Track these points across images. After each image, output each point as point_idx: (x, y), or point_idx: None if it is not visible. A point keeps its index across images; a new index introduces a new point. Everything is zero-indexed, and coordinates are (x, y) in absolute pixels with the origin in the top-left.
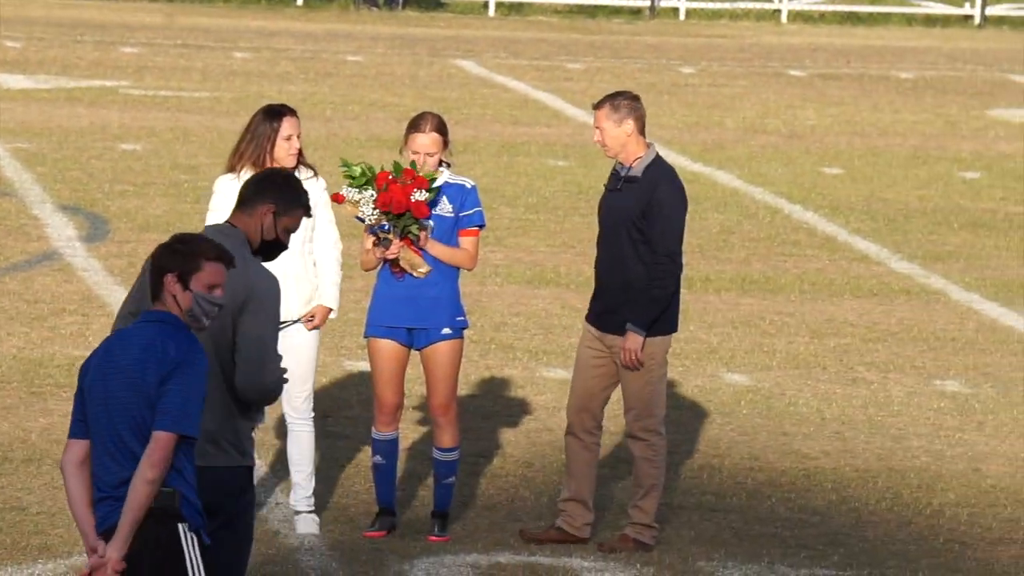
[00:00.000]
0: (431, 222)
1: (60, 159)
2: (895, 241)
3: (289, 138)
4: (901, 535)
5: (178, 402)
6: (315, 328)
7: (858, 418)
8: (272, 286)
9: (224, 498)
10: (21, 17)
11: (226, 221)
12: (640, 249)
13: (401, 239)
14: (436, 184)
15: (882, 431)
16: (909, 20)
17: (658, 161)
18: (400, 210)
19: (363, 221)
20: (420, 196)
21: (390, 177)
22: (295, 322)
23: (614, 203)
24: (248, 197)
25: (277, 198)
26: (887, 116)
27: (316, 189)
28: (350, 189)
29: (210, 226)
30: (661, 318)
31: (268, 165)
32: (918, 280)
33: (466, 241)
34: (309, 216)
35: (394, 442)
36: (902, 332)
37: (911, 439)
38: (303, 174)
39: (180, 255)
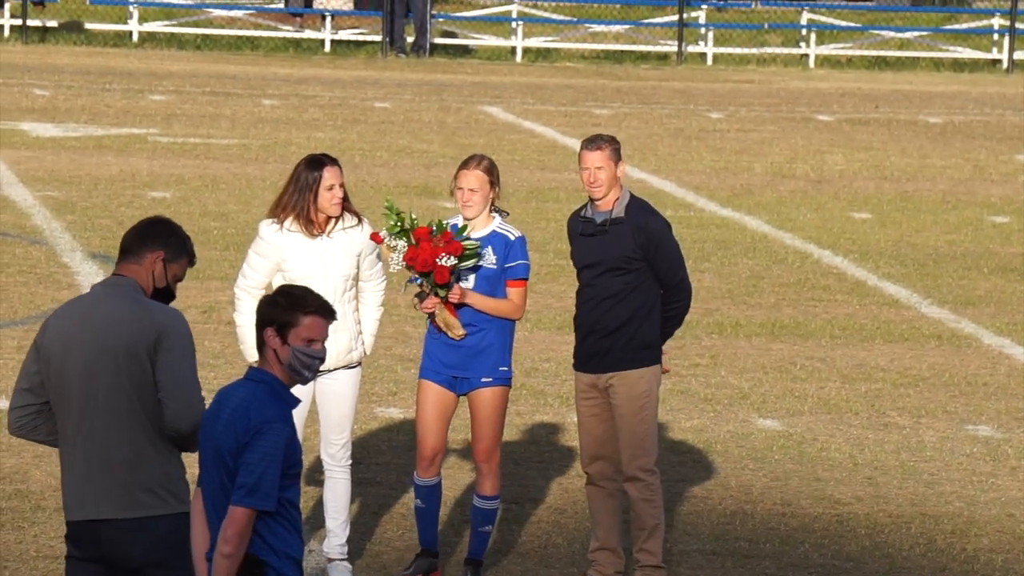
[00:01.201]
0: (460, 286)
1: (89, 207)
2: (925, 286)
3: (331, 188)
4: None
5: (255, 475)
6: None
7: (890, 463)
8: (180, 322)
9: (169, 550)
10: (49, 65)
11: (113, 274)
12: (636, 285)
13: (436, 297)
14: (470, 255)
15: (915, 476)
16: (937, 65)
17: (635, 199)
18: (424, 269)
19: (389, 267)
20: (447, 261)
21: (431, 234)
22: (333, 370)
23: (600, 247)
24: (134, 246)
25: (165, 246)
26: (916, 161)
27: (360, 237)
28: (389, 234)
29: (99, 283)
30: (650, 349)
31: (312, 215)
32: (949, 325)
33: (512, 292)
34: (193, 264)
35: (435, 487)
36: (933, 377)
37: (944, 484)
38: (347, 222)
39: (279, 308)
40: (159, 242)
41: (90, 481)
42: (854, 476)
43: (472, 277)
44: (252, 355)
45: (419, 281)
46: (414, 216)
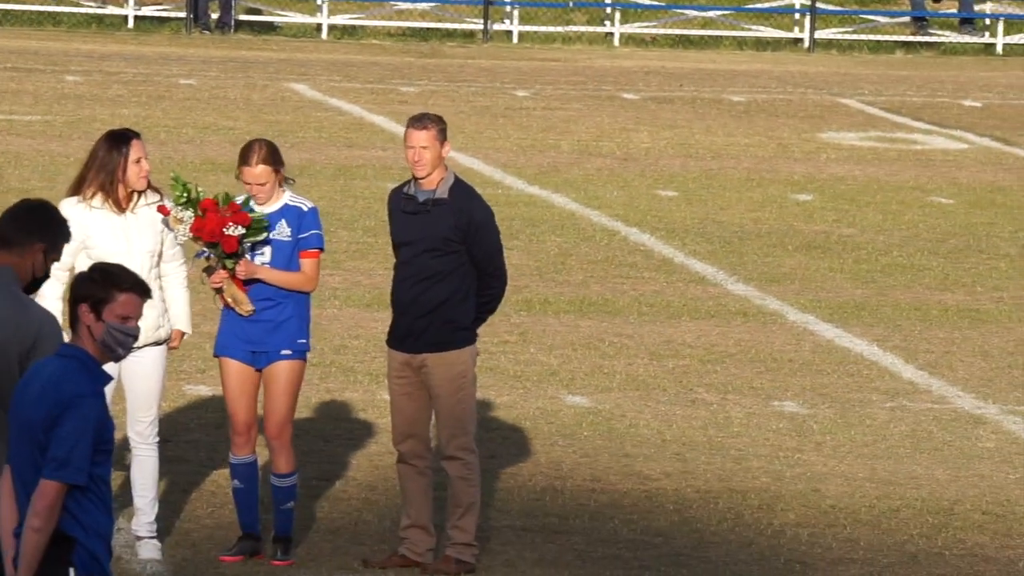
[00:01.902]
0: (246, 260)
1: None
2: (731, 263)
3: (139, 161)
4: (743, 556)
5: (65, 448)
6: (171, 350)
7: (698, 439)
8: (55, 324)
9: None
10: None
11: None
12: (455, 267)
13: (224, 270)
14: (258, 227)
15: (722, 452)
16: (740, 44)
17: (460, 182)
18: (211, 239)
19: (176, 239)
20: (234, 231)
21: (217, 205)
22: (140, 347)
23: (422, 225)
24: (15, 236)
25: (47, 236)
26: (720, 139)
27: (165, 209)
28: (176, 205)
29: None
30: (467, 330)
31: (118, 191)
32: (754, 302)
33: (305, 263)
34: (69, 242)
35: (252, 465)
36: (740, 353)
37: (751, 460)
38: (149, 197)
39: (95, 284)
40: (40, 233)
41: None
42: (662, 452)
43: (267, 250)
44: None
45: (207, 254)
46: (200, 188)
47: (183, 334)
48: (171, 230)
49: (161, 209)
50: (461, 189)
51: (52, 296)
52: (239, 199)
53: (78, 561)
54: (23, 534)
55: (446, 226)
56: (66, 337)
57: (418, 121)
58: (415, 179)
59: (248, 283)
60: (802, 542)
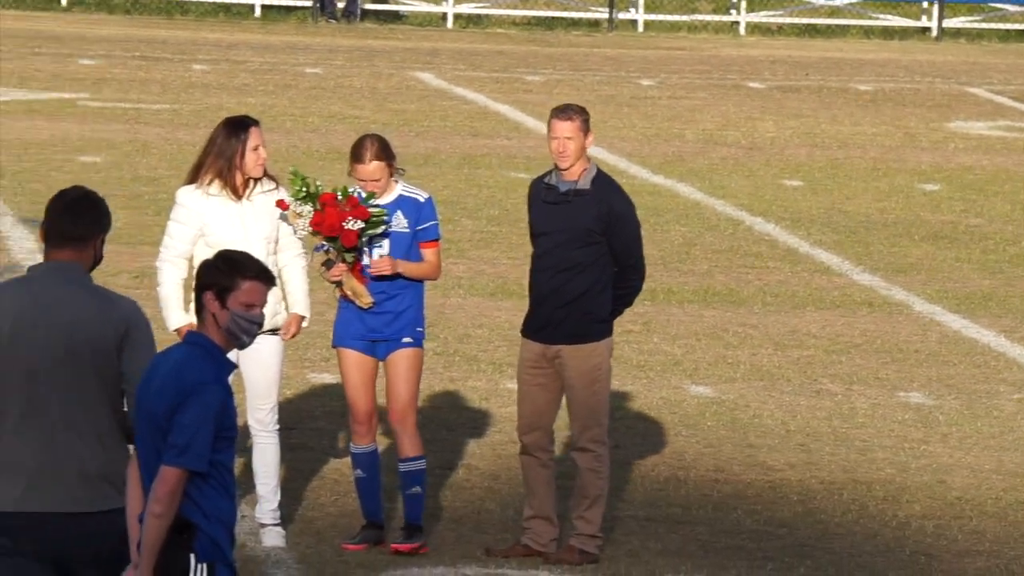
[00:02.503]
0: (389, 257)
1: (20, 172)
2: (856, 253)
3: (256, 148)
4: (867, 547)
5: (187, 435)
6: (292, 337)
7: (823, 430)
8: (141, 312)
9: (121, 543)
10: None
11: (53, 261)
12: (595, 259)
13: (343, 264)
14: (377, 221)
15: (847, 443)
16: (867, 32)
17: (602, 174)
18: (331, 233)
19: (295, 233)
20: (354, 225)
21: (336, 199)
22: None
23: (563, 215)
24: (78, 231)
25: (107, 225)
26: (846, 128)
27: (281, 198)
28: (295, 200)
29: (41, 267)
30: (604, 322)
31: (236, 177)
32: (880, 292)
33: (428, 253)
34: None
35: (373, 454)
36: (865, 344)
37: (876, 451)
38: (265, 185)
39: (220, 272)
40: (101, 224)
41: (45, 474)
42: (786, 443)
43: (385, 243)
44: (174, 322)
45: (326, 248)
46: (319, 183)
47: (302, 319)
48: (290, 224)
49: (280, 204)
50: (603, 180)
51: (170, 282)
52: (356, 190)
53: (199, 547)
54: (145, 520)
55: (587, 217)
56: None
57: (563, 112)
58: (557, 169)
59: (380, 278)
60: (927, 534)
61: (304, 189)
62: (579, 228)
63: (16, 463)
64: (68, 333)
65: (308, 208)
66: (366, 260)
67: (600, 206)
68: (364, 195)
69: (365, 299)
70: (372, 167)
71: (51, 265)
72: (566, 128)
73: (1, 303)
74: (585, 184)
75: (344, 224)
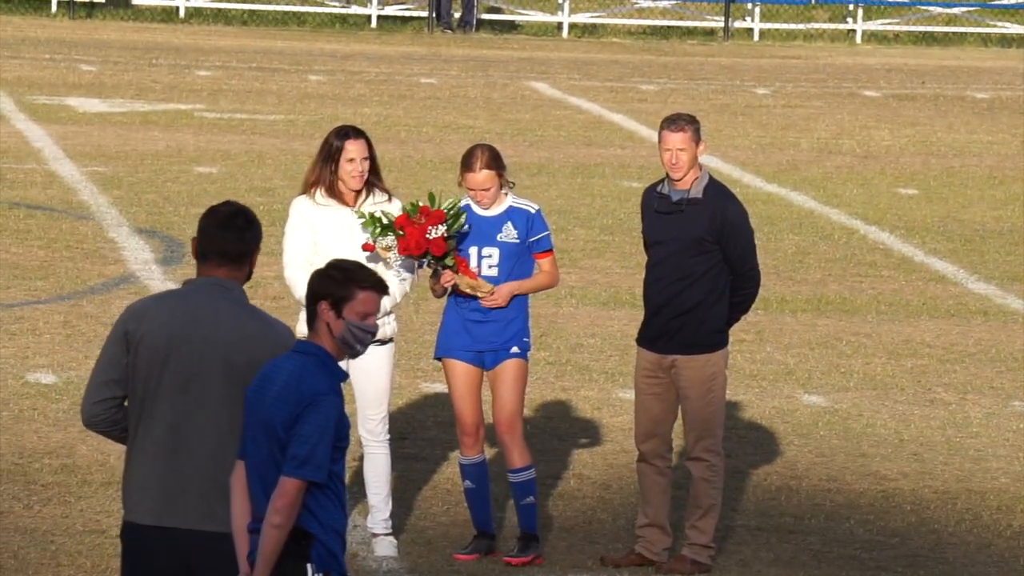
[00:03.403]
0: (501, 287)
1: (136, 182)
2: (971, 262)
3: (352, 160)
4: (981, 557)
5: (307, 446)
6: None
7: (936, 439)
8: (294, 340)
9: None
10: (96, 41)
11: (211, 277)
12: (709, 268)
13: (447, 270)
14: (454, 214)
15: (961, 452)
16: (985, 40)
17: (714, 182)
18: (420, 251)
19: (394, 265)
20: (436, 233)
21: (409, 217)
22: None
23: (676, 225)
24: (240, 249)
25: (260, 239)
26: (962, 136)
27: (392, 212)
28: (375, 240)
29: (199, 282)
30: (719, 332)
31: (337, 187)
32: (995, 301)
33: (544, 263)
34: None
35: (481, 465)
36: (980, 353)
37: (990, 460)
38: (377, 197)
39: (335, 282)
40: (257, 242)
41: (189, 491)
42: (900, 452)
43: (495, 253)
44: None
45: (427, 262)
46: (389, 213)
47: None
48: (386, 262)
49: (366, 247)
50: (715, 189)
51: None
52: (420, 203)
53: (316, 557)
54: (263, 530)
55: (700, 226)
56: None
57: (673, 123)
58: (669, 178)
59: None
60: None
61: (378, 226)
62: (692, 237)
63: (161, 476)
64: (225, 351)
65: (391, 239)
66: (473, 264)
67: (713, 215)
68: (429, 198)
69: (484, 288)
70: (482, 176)
71: (209, 281)
72: (678, 140)
73: (158, 316)
74: (697, 193)
75: (427, 236)
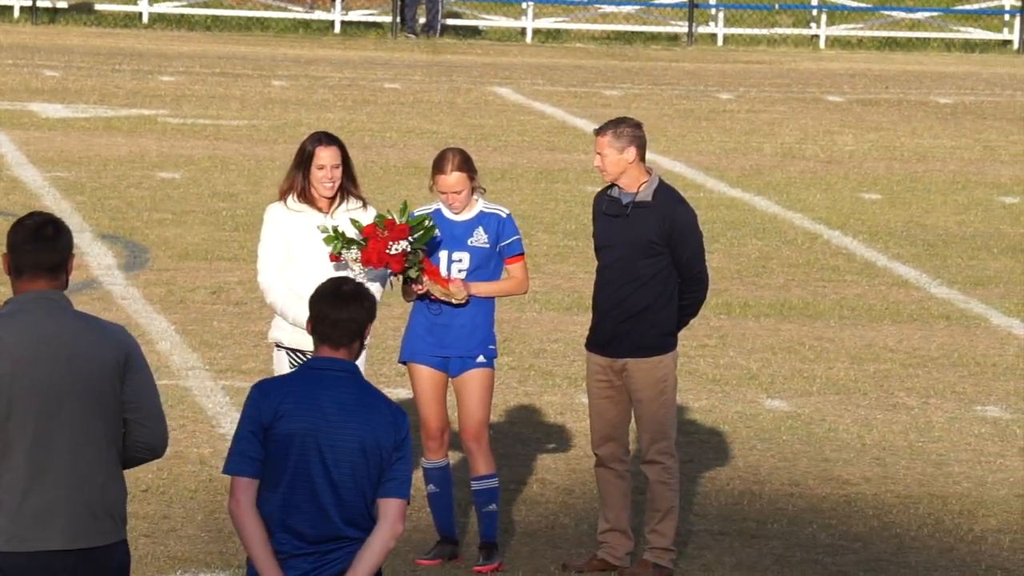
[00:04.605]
0: (461, 280)
1: (99, 188)
2: (934, 266)
3: (323, 167)
4: (943, 562)
5: (408, 469)
6: None
7: (899, 444)
8: (134, 339)
9: None
10: (59, 46)
11: (34, 291)
12: (657, 271)
13: (412, 284)
14: (420, 228)
15: (923, 457)
16: (948, 45)
17: (664, 185)
18: (380, 265)
19: (359, 277)
20: (397, 248)
21: (377, 228)
22: None
23: (623, 228)
24: (55, 258)
25: (72, 249)
26: (926, 141)
27: (365, 220)
28: (337, 252)
29: (24, 299)
30: (669, 335)
31: (309, 193)
32: (958, 305)
33: (513, 268)
34: None
35: (445, 469)
36: (942, 358)
37: (952, 465)
38: (351, 204)
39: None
40: (70, 249)
41: (56, 510)
42: (862, 456)
43: (465, 257)
44: (302, 319)
45: (392, 275)
46: (358, 222)
47: None
48: (353, 273)
49: (332, 258)
50: (665, 192)
51: (280, 288)
52: (390, 215)
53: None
54: (374, 550)
55: (649, 230)
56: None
57: (599, 127)
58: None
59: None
60: (1004, 548)
61: (340, 241)
62: (641, 241)
63: (26, 501)
64: (71, 365)
65: (355, 252)
66: (443, 269)
67: (662, 218)
68: (400, 210)
69: (458, 296)
70: (454, 178)
71: (36, 295)
72: (599, 144)
73: None
74: (646, 196)
75: (388, 251)
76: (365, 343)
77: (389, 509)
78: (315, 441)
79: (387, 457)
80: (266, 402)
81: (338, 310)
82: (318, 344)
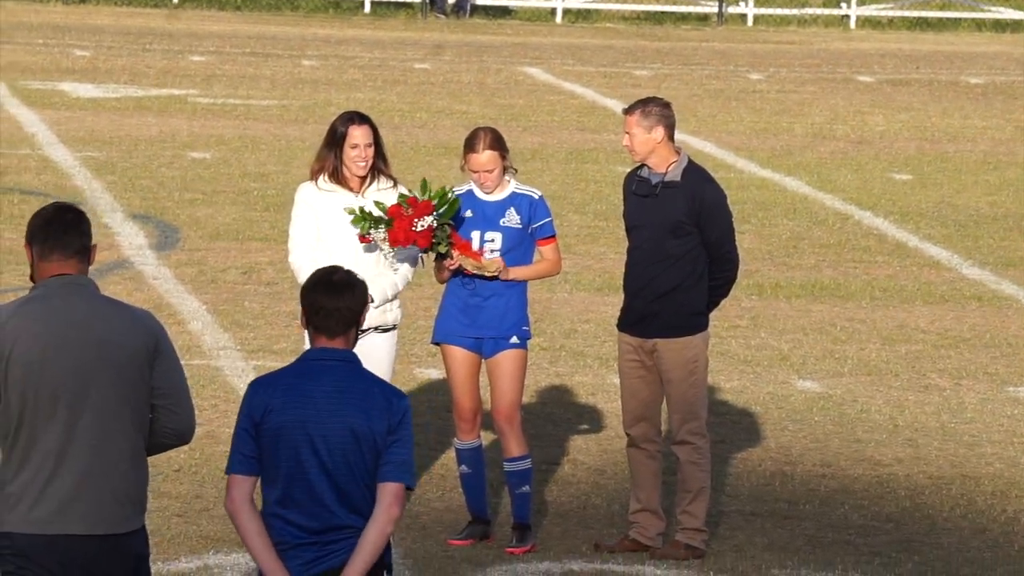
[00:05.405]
0: (501, 260)
1: (130, 168)
2: (966, 247)
3: (356, 147)
4: (975, 542)
5: (406, 452)
6: None
7: (931, 425)
8: (162, 324)
9: (141, 564)
10: (89, 26)
11: (62, 276)
12: (687, 251)
13: (452, 249)
14: (443, 203)
15: (955, 438)
16: (979, 25)
17: (693, 165)
18: (407, 244)
19: (390, 258)
20: (422, 225)
21: (401, 208)
22: (365, 331)
23: (652, 208)
24: (81, 243)
25: (91, 236)
26: (957, 122)
27: (394, 199)
28: (365, 232)
29: (52, 284)
30: (699, 315)
31: (342, 173)
32: (990, 286)
33: (546, 250)
34: None
35: (477, 450)
36: (974, 338)
37: (984, 446)
38: (382, 184)
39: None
40: (90, 234)
41: (80, 496)
42: (894, 438)
43: (498, 238)
44: None
45: (423, 252)
46: (382, 203)
47: (371, 298)
48: (384, 253)
49: (362, 239)
50: (694, 172)
51: (310, 267)
52: (414, 195)
53: (390, 561)
54: (371, 539)
55: (678, 209)
56: None
57: (628, 107)
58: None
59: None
60: None
61: (367, 222)
62: (670, 220)
63: (50, 485)
64: (101, 350)
65: (382, 232)
66: (475, 244)
67: (691, 197)
68: (421, 187)
69: (491, 267)
70: (485, 156)
71: (63, 280)
72: (627, 123)
73: (27, 326)
74: (675, 176)
75: (414, 228)
76: (361, 330)
77: (385, 494)
78: (305, 432)
79: (381, 442)
80: (257, 398)
81: (331, 299)
82: (313, 335)
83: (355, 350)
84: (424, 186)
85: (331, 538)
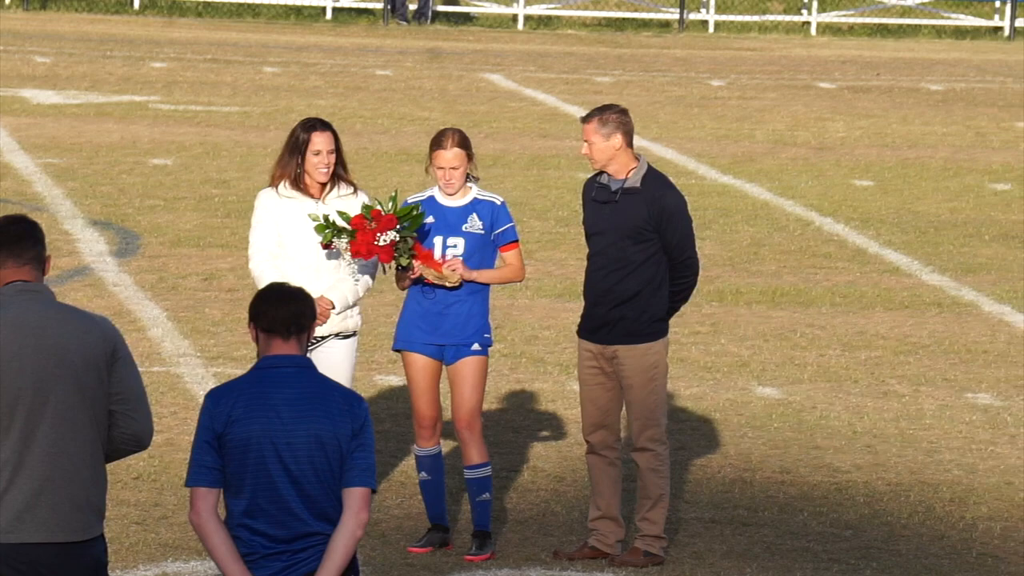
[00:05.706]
0: (464, 265)
1: (90, 174)
2: (926, 253)
3: (318, 153)
4: (934, 549)
5: (370, 456)
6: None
7: (890, 431)
8: (118, 330)
9: (101, 571)
10: (50, 32)
11: (19, 280)
12: (647, 257)
13: (413, 260)
14: (408, 217)
15: (914, 444)
16: (939, 32)
17: (653, 171)
18: (369, 257)
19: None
20: (384, 239)
21: (364, 220)
22: (325, 338)
23: (612, 214)
24: (34, 251)
25: (45, 245)
26: (917, 128)
27: (355, 206)
28: (328, 241)
29: (11, 288)
30: (660, 321)
31: (303, 180)
32: (949, 292)
33: (509, 256)
34: None
35: (437, 457)
36: (933, 345)
37: (943, 452)
38: (343, 190)
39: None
40: (44, 244)
41: (39, 503)
42: (853, 444)
43: (460, 243)
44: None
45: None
46: (345, 212)
47: (331, 304)
48: (344, 258)
49: (325, 247)
50: (654, 178)
51: (271, 277)
52: (378, 204)
53: (358, 566)
54: (341, 543)
55: (638, 215)
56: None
57: (585, 115)
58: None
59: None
60: (995, 536)
61: (331, 230)
62: (630, 226)
63: (7, 494)
64: (58, 356)
65: (345, 242)
66: (438, 254)
67: (651, 203)
68: (390, 199)
69: (453, 279)
70: (452, 153)
71: (19, 287)
72: (584, 131)
73: None
74: (635, 182)
75: (376, 243)
76: (312, 340)
77: (352, 498)
78: (271, 442)
79: (346, 446)
80: (217, 409)
81: (283, 303)
82: (266, 342)
83: (315, 357)
84: (394, 198)
85: (300, 546)
